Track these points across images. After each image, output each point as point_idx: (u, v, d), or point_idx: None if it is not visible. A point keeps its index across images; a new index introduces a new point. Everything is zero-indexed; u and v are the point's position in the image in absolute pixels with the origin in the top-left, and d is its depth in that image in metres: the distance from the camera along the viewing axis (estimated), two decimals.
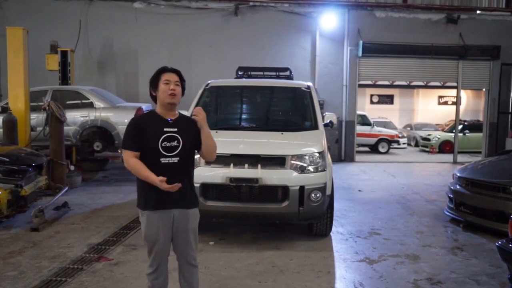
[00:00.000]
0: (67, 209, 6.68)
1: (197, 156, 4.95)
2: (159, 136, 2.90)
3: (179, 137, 2.93)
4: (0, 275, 4.21)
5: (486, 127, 14.47)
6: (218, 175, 4.96)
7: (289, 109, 6.58)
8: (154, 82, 2.99)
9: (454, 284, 4.20)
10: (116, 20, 12.79)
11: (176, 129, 2.95)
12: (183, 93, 3.04)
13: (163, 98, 2.95)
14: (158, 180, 2.82)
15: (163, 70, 3.01)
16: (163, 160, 2.90)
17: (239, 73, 7.49)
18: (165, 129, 2.93)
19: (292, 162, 5.03)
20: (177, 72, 3.02)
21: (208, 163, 5.00)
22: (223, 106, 6.67)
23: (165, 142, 2.91)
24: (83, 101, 9.54)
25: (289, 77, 7.48)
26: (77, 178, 8.71)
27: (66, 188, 7.39)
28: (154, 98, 3.02)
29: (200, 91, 6.26)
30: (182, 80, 3.04)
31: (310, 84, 6.45)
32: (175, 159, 2.92)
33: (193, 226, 3.06)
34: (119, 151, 10.18)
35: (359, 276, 4.40)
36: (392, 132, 17.90)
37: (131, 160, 2.91)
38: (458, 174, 6.54)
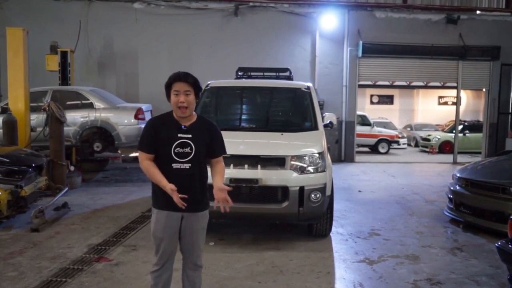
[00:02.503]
0: (67, 209, 6.69)
1: None
2: (172, 141, 2.93)
3: (192, 144, 2.94)
4: (0, 276, 4.22)
5: (486, 127, 14.47)
6: None
7: (289, 110, 6.58)
8: (167, 91, 2.99)
9: (454, 285, 4.20)
10: (116, 21, 12.80)
11: (190, 135, 2.96)
12: (197, 96, 3.01)
13: (174, 111, 2.98)
14: (169, 188, 2.84)
15: (174, 79, 2.95)
16: (174, 165, 2.91)
17: (239, 73, 7.49)
18: (179, 135, 2.94)
19: (292, 162, 5.04)
20: (188, 81, 2.94)
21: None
22: (223, 107, 6.67)
23: (178, 148, 2.93)
24: (83, 101, 9.55)
25: (289, 78, 7.49)
26: (77, 178, 8.71)
27: (66, 189, 7.38)
28: None
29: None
30: (195, 87, 2.96)
31: (310, 84, 6.45)
32: (187, 165, 2.93)
33: (202, 227, 3.10)
34: (119, 151, 10.20)
35: (359, 276, 4.41)
36: (392, 132, 17.89)
37: (144, 162, 2.96)
38: (458, 175, 6.54)
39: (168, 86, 2.98)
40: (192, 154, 2.94)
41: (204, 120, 3.14)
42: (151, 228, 3.07)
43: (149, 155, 2.97)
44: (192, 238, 3.05)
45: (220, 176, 3.07)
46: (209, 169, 3.14)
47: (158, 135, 2.95)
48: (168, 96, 2.99)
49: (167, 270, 3.08)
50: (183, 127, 2.98)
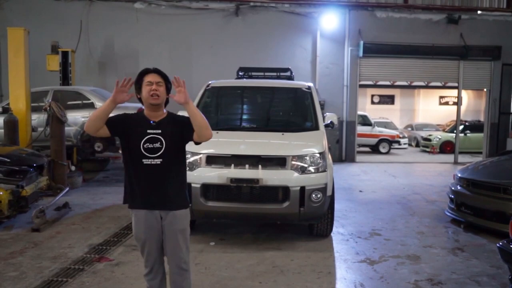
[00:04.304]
0: (68, 209, 6.69)
1: (197, 157, 4.99)
2: (141, 137, 2.91)
3: (162, 139, 2.92)
4: (1, 276, 4.22)
5: (487, 127, 14.47)
6: (219, 175, 4.96)
7: (289, 110, 6.58)
8: (137, 85, 2.99)
9: (455, 285, 4.20)
10: (117, 21, 12.81)
11: (160, 131, 2.94)
12: (168, 93, 3.02)
13: (146, 99, 2.96)
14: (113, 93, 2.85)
15: (145, 72, 3.00)
16: (145, 161, 2.89)
17: (240, 73, 7.49)
18: (148, 131, 2.93)
19: (293, 162, 5.03)
20: (159, 72, 3.00)
21: (209, 163, 5.00)
22: (224, 107, 6.67)
23: (147, 144, 2.91)
24: (84, 101, 9.56)
25: (290, 78, 7.48)
26: (78, 178, 8.72)
27: (67, 189, 7.38)
28: (140, 100, 3.03)
29: (200, 92, 6.26)
30: (166, 80, 3.00)
31: (310, 84, 6.45)
32: (158, 161, 2.90)
33: (181, 228, 3.01)
34: (120, 151, 10.18)
35: (359, 276, 4.40)
36: (393, 132, 17.90)
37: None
38: (459, 175, 6.53)
39: (139, 79, 2.97)
40: (163, 149, 2.90)
41: (175, 115, 3.11)
42: (133, 231, 3.05)
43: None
44: (172, 240, 2.98)
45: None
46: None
47: (127, 128, 2.95)
48: (139, 88, 2.97)
49: (159, 273, 3.06)
50: (151, 122, 2.96)
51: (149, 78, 2.95)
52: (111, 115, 2.92)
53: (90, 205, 7.21)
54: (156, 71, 2.99)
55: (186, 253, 3.06)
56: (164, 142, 2.91)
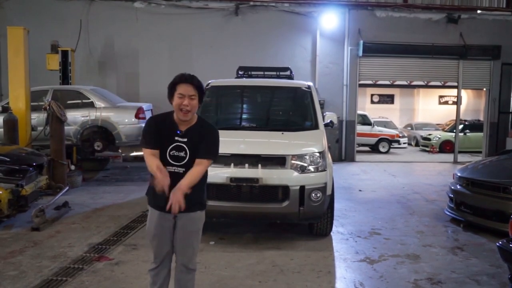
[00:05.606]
0: (67, 208, 6.69)
1: None
2: (169, 144, 2.90)
3: (187, 148, 2.90)
4: (1, 275, 4.22)
5: (486, 127, 14.47)
6: (218, 174, 4.96)
7: (289, 109, 6.58)
8: (170, 92, 2.91)
9: (455, 284, 4.20)
10: (117, 20, 12.80)
11: (185, 140, 2.92)
12: (200, 101, 2.94)
13: (176, 112, 2.91)
14: (160, 185, 2.72)
15: (179, 80, 2.87)
16: (169, 168, 2.87)
17: (240, 73, 7.48)
18: (176, 138, 2.91)
19: (293, 162, 5.04)
20: (193, 83, 2.87)
21: None
22: (224, 106, 6.67)
23: (174, 151, 2.90)
24: (84, 100, 9.55)
25: (290, 77, 7.48)
26: (77, 177, 8.72)
27: (67, 188, 7.39)
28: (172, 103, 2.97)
29: None
30: (200, 91, 2.90)
31: (310, 84, 6.45)
32: (181, 170, 2.89)
33: (195, 229, 3.04)
34: (120, 150, 10.20)
35: (359, 276, 4.41)
36: (393, 131, 17.89)
37: (148, 157, 2.88)
38: (459, 174, 6.54)
39: (172, 87, 2.90)
40: (187, 159, 2.89)
41: (204, 124, 3.03)
42: (146, 225, 3.10)
43: (154, 150, 2.89)
44: (184, 239, 2.99)
45: (188, 178, 2.82)
46: None
47: (160, 133, 2.92)
48: (171, 96, 2.91)
49: (164, 269, 3.06)
50: (178, 132, 2.93)
51: (182, 89, 2.84)
52: (144, 126, 3.01)
53: (90, 204, 7.21)
54: (191, 82, 2.86)
55: (195, 253, 3.08)
56: (188, 152, 2.89)
